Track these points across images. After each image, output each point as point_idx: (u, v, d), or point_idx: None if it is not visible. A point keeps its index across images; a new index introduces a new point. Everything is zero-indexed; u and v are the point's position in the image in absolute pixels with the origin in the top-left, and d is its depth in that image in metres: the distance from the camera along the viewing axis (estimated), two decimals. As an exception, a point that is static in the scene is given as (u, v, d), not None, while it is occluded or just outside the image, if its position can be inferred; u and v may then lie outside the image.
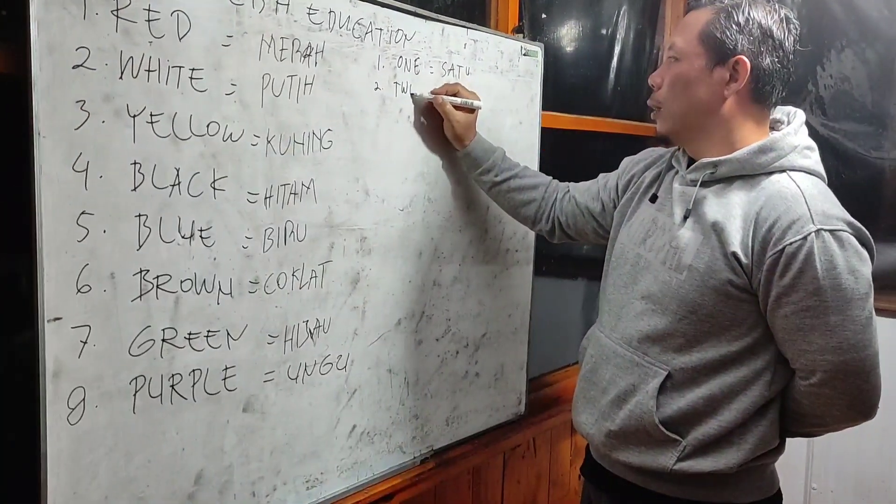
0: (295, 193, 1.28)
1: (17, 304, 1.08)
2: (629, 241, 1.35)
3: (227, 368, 1.22)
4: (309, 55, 1.27)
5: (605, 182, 1.53)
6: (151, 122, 1.07)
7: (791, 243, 1.12)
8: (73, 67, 0.98)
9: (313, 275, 1.34)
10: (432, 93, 1.53)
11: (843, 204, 1.18)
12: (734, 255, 1.16)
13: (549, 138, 1.93)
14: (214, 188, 1.16)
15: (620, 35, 2.46)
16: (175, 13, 1.08)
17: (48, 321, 0.99)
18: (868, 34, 2.44)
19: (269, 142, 1.23)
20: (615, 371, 1.31)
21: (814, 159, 1.24)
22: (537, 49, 1.82)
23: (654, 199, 1.35)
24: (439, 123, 1.56)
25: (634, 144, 2.58)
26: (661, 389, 1.23)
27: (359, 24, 1.36)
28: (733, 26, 1.19)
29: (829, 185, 1.23)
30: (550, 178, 1.63)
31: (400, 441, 1.59)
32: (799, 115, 1.27)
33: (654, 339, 1.25)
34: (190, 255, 1.14)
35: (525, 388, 1.95)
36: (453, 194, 1.64)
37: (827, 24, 2.49)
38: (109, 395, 1.07)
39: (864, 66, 2.46)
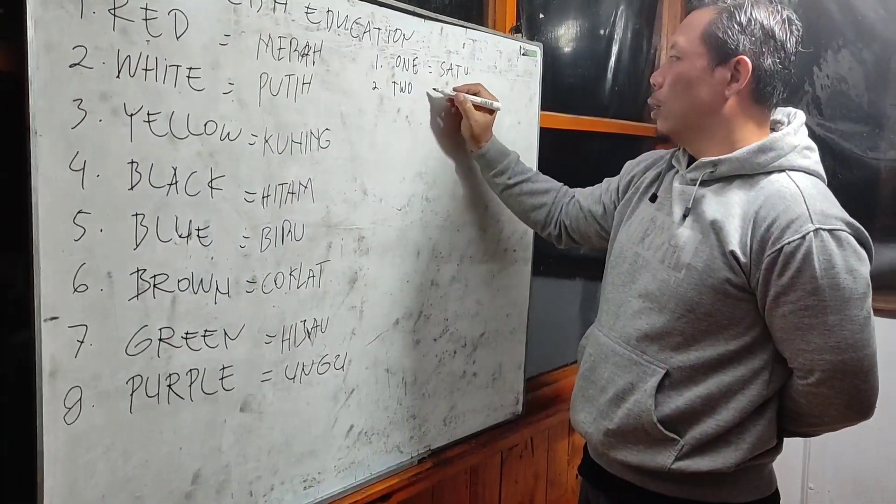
0: (292, 193, 1.28)
1: (13, 304, 1.08)
2: (628, 240, 1.36)
3: (224, 368, 1.22)
4: (307, 54, 1.27)
5: (608, 186, 1.55)
6: (149, 121, 1.06)
7: (789, 242, 1.12)
8: (70, 66, 0.97)
9: (311, 274, 1.34)
10: (454, 90, 1.55)
11: (840, 204, 1.18)
12: (732, 253, 1.16)
13: (548, 138, 1.93)
14: (212, 187, 1.16)
15: (618, 35, 2.46)
16: (172, 12, 1.07)
17: (45, 320, 0.98)
18: (865, 35, 2.44)
19: (266, 141, 1.23)
20: (613, 370, 1.31)
21: (813, 159, 1.24)
22: (536, 49, 1.82)
23: (653, 198, 1.35)
24: (449, 123, 1.57)
25: (632, 144, 2.59)
26: (660, 388, 1.24)
27: (357, 23, 1.36)
28: (735, 26, 1.19)
29: (826, 185, 1.23)
30: (561, 184, 1.66)
31: (397, 441, 1.59)
32: (799, 116, 1.28)
33: (652, 338, 1.26)
34: (187, 255, 1.14)
35: (523, 387, 1.95)
36: (451, 194, 1.64)
37: (824, 25, 2.50)
38: (106, 395, 1.07)
39: (860, 66, 2.46)
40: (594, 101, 2.43)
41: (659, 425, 1.23)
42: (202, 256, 1.16)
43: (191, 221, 1.14)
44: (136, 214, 1.07)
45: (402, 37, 1.46)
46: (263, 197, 1.23)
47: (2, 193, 1.06)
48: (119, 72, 1.02)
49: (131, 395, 1.10)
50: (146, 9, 1.04)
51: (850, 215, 1.17)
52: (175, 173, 1.11)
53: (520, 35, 1.87)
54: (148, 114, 1.06)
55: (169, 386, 1.14)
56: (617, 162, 1.56)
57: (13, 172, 0.97)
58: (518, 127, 1.78)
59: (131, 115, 1.04)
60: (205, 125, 1.14)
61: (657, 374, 1.24)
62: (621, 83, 2.50)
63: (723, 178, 1.23)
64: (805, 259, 1.11)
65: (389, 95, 1.45)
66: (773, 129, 1.27)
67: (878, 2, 2.41)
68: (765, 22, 1.19)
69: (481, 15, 1.90)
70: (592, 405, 1.35)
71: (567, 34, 2.28)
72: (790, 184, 1.17)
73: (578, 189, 1.63)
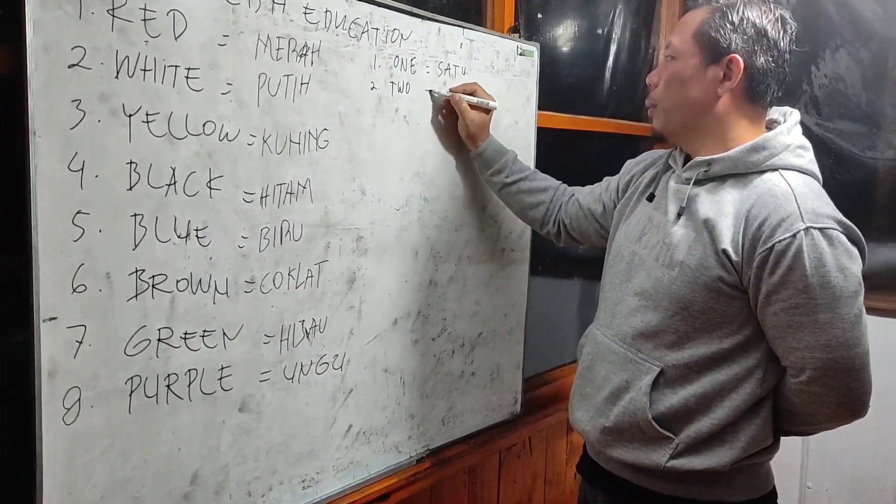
0: (291, 193, 1.28)
1: (12, 304, 1.07)
2: (625, 240, 1.37)
3: (223, 368, 1.22)
4: (305, 54, 1.27)
5: (608, 185, 1.55)
6: (147, 122, 1.07)
7: (780, 241, 1.12)
8: (69, 67, 0.97)
9: (309, 274, 1.34)
10: (450, 90, 1.56)
11: (836, 203, 1.19)
12: (725, 252, 1.17)
13: (545, 138, 1.94)
14: (210, 188, 1.16)
15: (616, 35, 2.46)
16: (171, 12, 1.07)
17: (44, 321, 0.98)
18: (862, 34, 2.45)
19: (265, 141, 1.23)
20: (610, 368, 1.31)
21: (807, 158, 1.24)
22: (533, 49, 1.82)
23: (651, 198, 1.36)
24: (447, 123, 1.58)
25: (630, 144, 2.59)
26: (654, 386, 1.24)
27: (355, 23, 1.36)
28: (728, 25, 1.20)
29: (823, 184, 1.24)
30: (560, 182, 1.66)
31: (396, 441, 1.60)
32: (794, 115, 1.28)
33: (647, 336, 1.26)
34: (186, 255, 1.14)
35: (521, 387, 1.95)
36: (449, 194, 1.64)
37: (821, 24, 2.50)
38: (105, 395, 1.07)
39: (858, 65, 2.46)
40: (592, 101, 2.43)
41: (654, 423, 1.23)
42: (201, 257, 1.16)
43: (189, 222, 1.14)
44: (135, 215, 1.07)
45: (399, 37, 1.46)
46: (262, 197, 1.24)
47: (1, 194, 1.06)
48: (118, 72, 1.02)
49: (130, 395, 1.10)
50: (145, 9, 1.04)
51: (847, 215, 1.17)
52: (174, 174, 1.11)
53: (517, 35, 1.87)
54: (147, 114, 1.06)
55: (168, 386, 1.14)
56: (615, 162, 1.57)
57: (12, 173, 0.97)
58: (515, 127, 1.79)
59: (130, 116, 1.05)
60: (203, 125, 1.14)
61: (652, 371, 1.24)
62: (619, 83, 2.51)
63: (717, 177, 1.24)
64: (796, 257, 1.11)
65: (387, 95, 1.45)
66: (768, 129, 1.27)
67: (876, 1, 2.41)
68: (757, 21, 1.20)
69: (479, 15, 1.90)
70: (590, 403, 1.35)
71: (565, 34, 2.29)
72: (782, 182, 1.18)
73: (578, 187, 1.64)
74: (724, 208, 1.19)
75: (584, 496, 1.47)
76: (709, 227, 1.19)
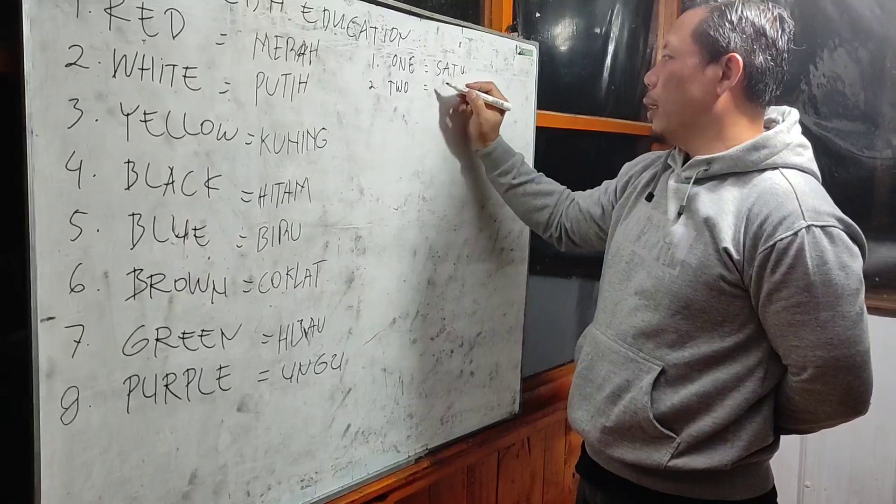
0: (289, 192, 1.28)
1: (10, 304, 1.07)
2: (624, 239, 1.37)
3: (221, 368, 1.21)
4: (303, 54, 1.27)
5: (606, 188, 1.56)
6: (145, 121, 1.06)
7: (781, 239, 1.12)
8: (66, 65, 0.97)
9: (308, 274, 1.34)
10: (467, 86, 1.57)
11: (835, 203, 1.19)
12: (726, 250, 1.17)
13: (544, 137, 1.94)
14: (208, 187, 1.16)
15: (614, 34, 2.46)
16: (169, 11, 1.07)
17: (41, 321, 0.98)
18: (860, 33, 2.45)
19: (263, 140, 1.23)
20: (610, 367, 1.31)
21: (807, 157, 1.24)
22: (532, 48, 1.82)
23: (650, 197, 1.36)
24: (448, 122, 1.59)
25: (629, 143, 2.59)
26: (656, 385, 1.24)
27: (353, 22, 1.36)
28: (726, 24, 1.20)
29: (822, 183, 1.24)
30: (564, 187, 1.67)
31: (394, 440, 1.59)
32: (793, 114, 1.29)
33: (647, 335, 1.26)
34: (184, 255, 1.14)
35: (519, 387, 1.95)
36: (448, 193, 1.64)
37: (820, 24, 2.50)
38: (103, 395, 1.06)
39: (856, 65, 2.46)
40: (590, 101, 2.43)
41: (655, 422, 1.23)
42: (199, 256, 1.16)
43: (187, 221, 1.13)
44: (133, 214, 1.07)
45: (398, 36, 1.46)
46: (260, 196, 1.23)
47: (-2, 193, 1.06)
48: (115, 71, 1.02)
49: (128, 395, 1.10)
50: (142, 8, 1.04)
51: (847, 214, 1.17)
52: (171, 173, 1.10)
53: (516, 34, 1.87)
54: (144, 113, 1.06)
55: (166, 386, 1.14)
56: (613, 161, 1.57)
57: (9, 172, 0.97)
58: (514, 126, 1.78)
59: (127, 115, 1.04)
60: (201, 125, 1.13)
61: (653, 371, 1.24)
62: (617, 82, 2.51)
63: (717, 176, 1.24)
64: (797, 255, 1.11)
65: (386, 95, 1.45)
66: (767, 128, 1.27)
67: (874, 1, 2.41)
68: (755, 20, 1.20)
69: (478, 14, 1.90)
70: (590, 403, 1.35)
71: (563, 33, 2.29)
72: (783, 181, 1.18)
73: (579, 192, 1.65)
74: (724, 207, 1.20)
75: (583, 496, 1.47)
76: (710, 226, 1.19)
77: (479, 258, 1.75)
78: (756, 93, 1.23)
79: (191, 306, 1.16)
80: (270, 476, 1.32)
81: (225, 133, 1.17)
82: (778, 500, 1.34)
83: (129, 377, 1.09)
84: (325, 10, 1.30)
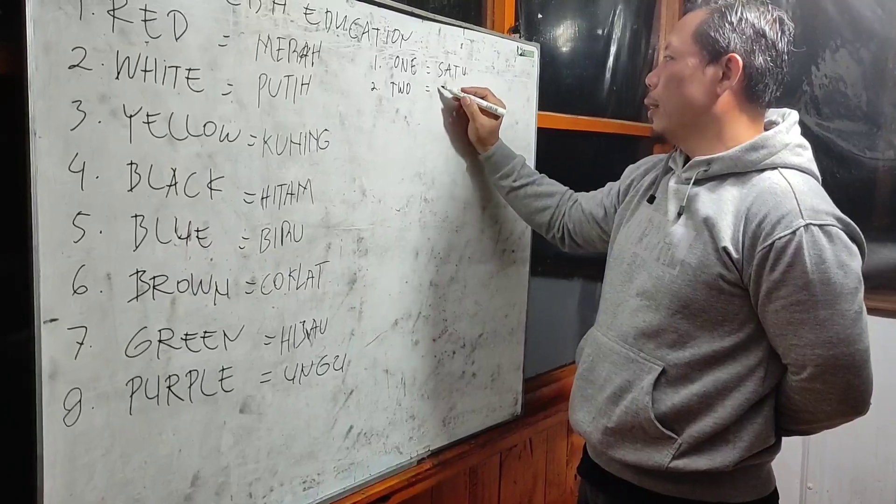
0: (292, 194, 1.28)
1: (12, 305, 1.07)
2: (626, 241, 1.37)
3: (223, 369, 1.22)
4: (306, 55, 1.27)
5: (609, 189, 1.57)
6: (148, 123, 1.06)
7: (780, 238, 1.13)
8: (70, 67, 0.97)
9: (310, 275, 1.34)
10: (462, 91, 1.57)
11: (837, 203, 1.19)
12: (725, 250, 1.17)
13: (546, 138, 1.94)
14: (211, 188, 1.16)
15: (616, 35, 2.46)
16: (171, 13, 1.07)
17: (44, 322, 0.98)
18: (862, 34, 2.45)
19: (265, 142, 1.23)
20: (611, 368, 1.31)
21: (806, 157, 1.25)
22: (533, 49, 1.82)
23: (651, 200, 1.37)
24: (451, 123, 1.59)
25: (630, 144, 2.59)
26: (656, 385, 1.24)
27: (355, 24, 1.36)
28: (726, 25, 1.21)
29: (824, 184, 1.24)
30: (566, 188, 1.68)
31: (397, 442, 1.59)
32: (792, 115, 1.29)
33: (648, 335, 1.26)
34: (186, 256, 1.14)
35: (521, 388, 1.95)
36: (450, 195, 1.64)
37: (821, 24, 2.50)
38: (106, 397, 1.07)
39: (858, 65, 2.46)
40: (592, 102, 2.43)
41: (656, 423, 1.23)
42: (201, 258, 1.16)
43: (190, 223, 1.14)
44: (136, 216, 1.07)
45: (400, 37, 1.46)
46: (262, 198, 1.23)
47: (1, 195, 1.06)
48: (118, 73, 1.02)
49: (131, 396, 1.10)
50: (145, 10, 1.04)
51: (848, 215, 1.18)
52: (174, 174, 1.11)
53: (518, 35, 1.87)
54: (147, 115, 1.06)
55: (168, 387, 1.14)
56: (615, 162, 1.57)
57: (12, 174, 0.97)
58: (516, 127, 1.78)
59: (130, 117, 1.04)
60: (204, 126, 1.14)
61: (654, 371, 1.25)
62: (619, 83, 2.51)
63: (717, 177, 1.24)
64: (796, 254, 1.12)
65: (388, 96, 1.45)
66: (767, 129, 1.28)
67: (876, 1, 2.41)
68: (755, 21, 1.21)
69: (480, 15, 1.90)
70: (591, 404, 1.35)
71: (565, 34, 2.29)
72: (781, 181, 1.18)
73: (582, 193, 1.65)
74: (724, 206, 1.20)
75: (585, 498, 1.47)
76: (709, 226, 1.20)
77: (481, 259, 1.75)
78: (756, 93, 1.24)
79: (193, 308, 1.16)
80: (273, 477, 1.32)
81: (227, 134, 1.17)
82: (780, 502, 1.34)
83: (132, 379, 1.09)
84: (327, 11, 1.30)
